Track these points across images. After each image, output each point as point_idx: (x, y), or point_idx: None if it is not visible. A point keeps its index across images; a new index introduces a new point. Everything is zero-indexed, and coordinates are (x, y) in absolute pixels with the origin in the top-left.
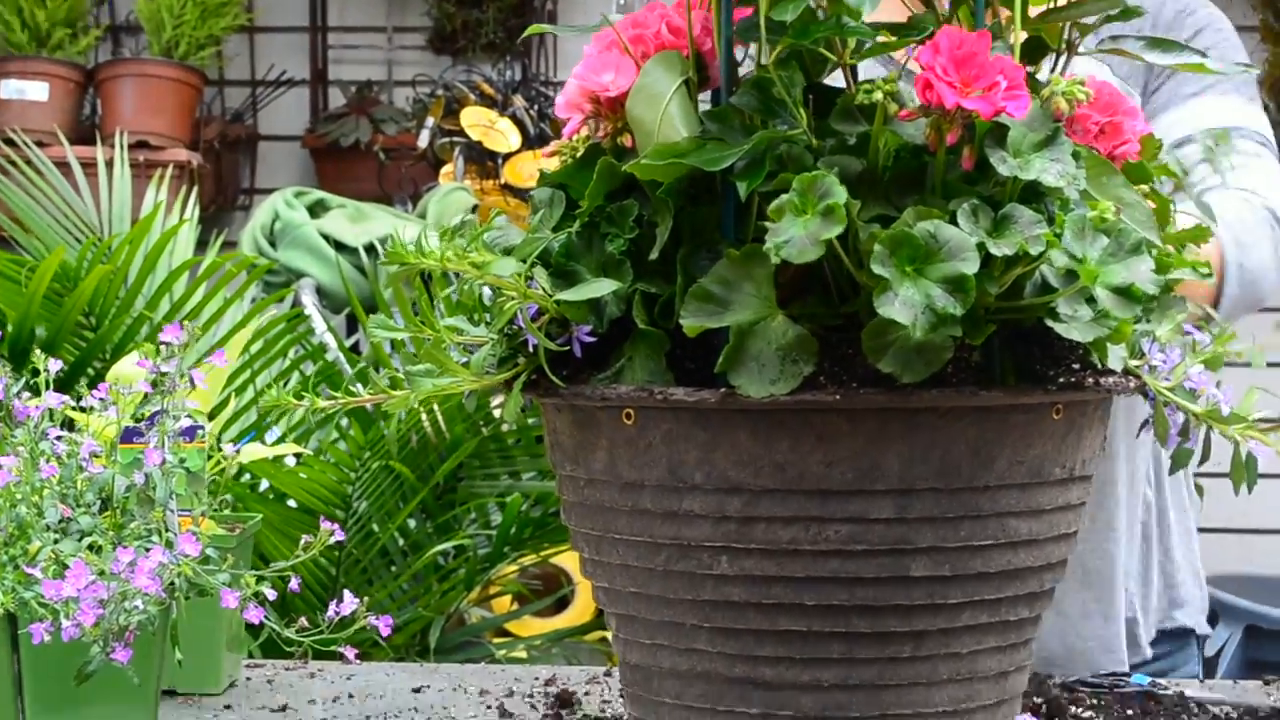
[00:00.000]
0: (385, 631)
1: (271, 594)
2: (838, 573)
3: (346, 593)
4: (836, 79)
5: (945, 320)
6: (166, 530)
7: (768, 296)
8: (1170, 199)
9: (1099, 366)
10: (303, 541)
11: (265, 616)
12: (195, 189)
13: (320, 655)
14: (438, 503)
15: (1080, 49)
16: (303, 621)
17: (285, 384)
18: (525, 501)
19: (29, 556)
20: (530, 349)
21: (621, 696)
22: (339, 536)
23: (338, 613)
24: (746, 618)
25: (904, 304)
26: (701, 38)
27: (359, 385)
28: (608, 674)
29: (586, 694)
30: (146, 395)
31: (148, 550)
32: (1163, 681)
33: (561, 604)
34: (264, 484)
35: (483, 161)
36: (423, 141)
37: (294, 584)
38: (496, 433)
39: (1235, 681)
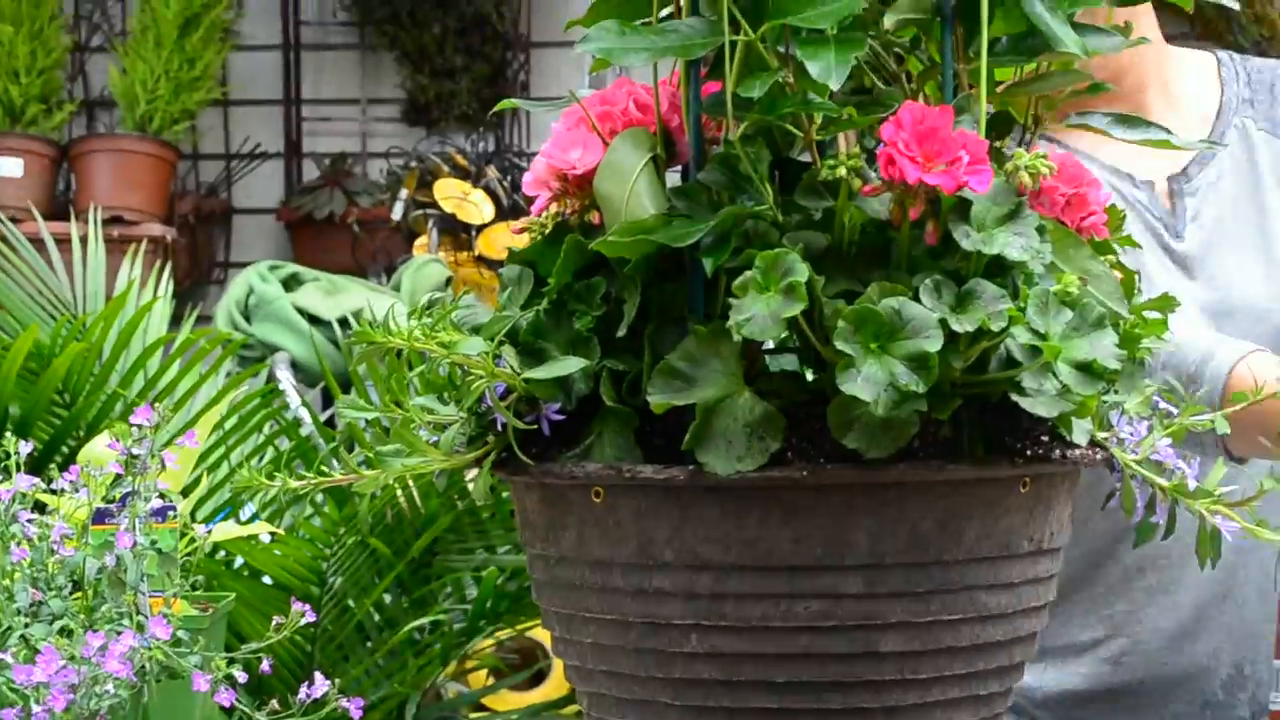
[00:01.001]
0: (356, 714)
1: (243, 676)
2: (809, 649)
3: (318, 675)
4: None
5: (908, 397)
6: (138, 613)
7: (735, 373)
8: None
9: (1067, 439)
10: (274, 623)
11: (237, 699)
12: (170, 263)
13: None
14: (413, 577)
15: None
16: (274, 704)
17: (260, 460)
18: (501, 575)
19: None
20: (499, 427)
21: None
22: (310, 618)
23: (309, 695)
24: (717, 695)
25: (867, 381)
26: (669, 114)
27: (334, 462)
28: None
29: None
30: (118, 476)
31: (119, 634)
32: None
33: (538, 678)
34: (238, 560)
35: (457, 233)
36: (396, 214)
37: (266, 665)
38: (471, 507)
39: None
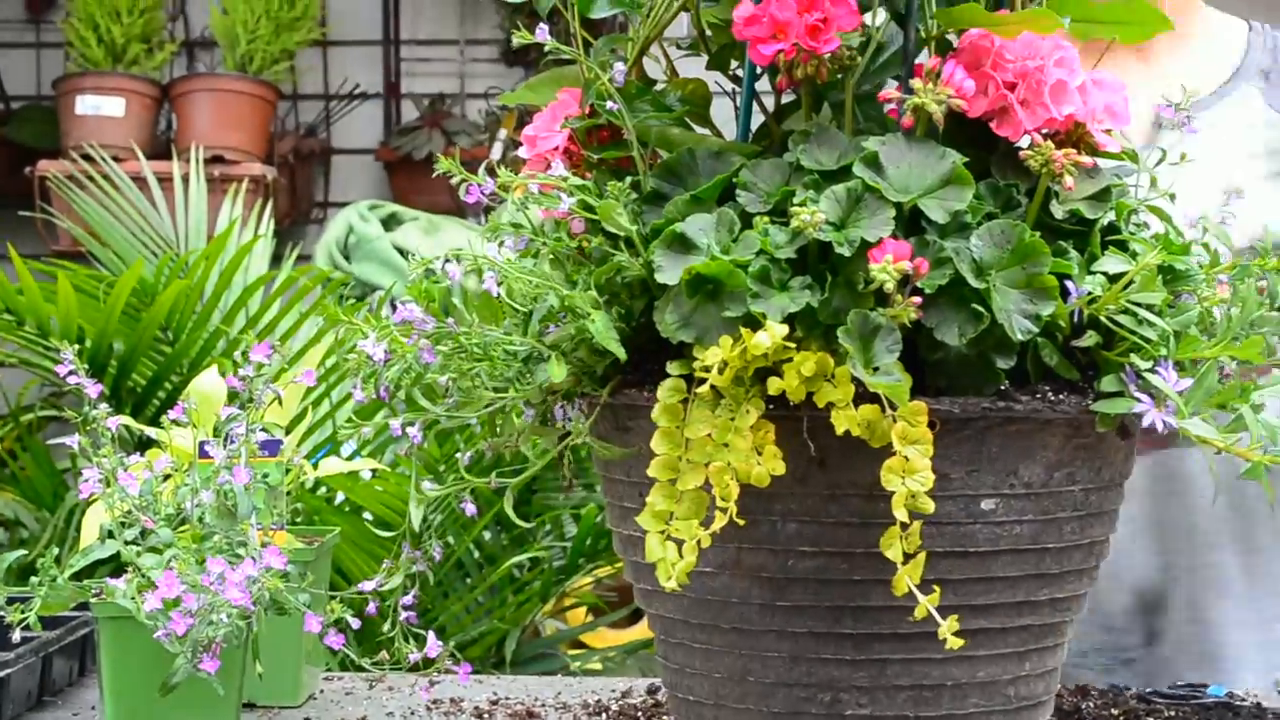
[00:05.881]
0: (464, 680)
1: (355, 623)
2: None
3: (430, 635)
4: None
5: None
6: (248, 544)
7: None
8: None
9: None
10: (384, 566)
11: (344, 643)
12: (270, 203)
13: (397, 667)
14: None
15: None
16: (384, 655)
17: None
18: (600, 512)
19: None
20: None
21: None
22: (421, 568)
23: (423, 656)
24: None
25: None
26: None
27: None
28: None
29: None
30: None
31: (235, 563)
32: (1239, 692)
33: (636, 615)
34: (339, 497)
35: None
36: (495, 154)
37: (372, 608)
38: (571, 445)
39: None
